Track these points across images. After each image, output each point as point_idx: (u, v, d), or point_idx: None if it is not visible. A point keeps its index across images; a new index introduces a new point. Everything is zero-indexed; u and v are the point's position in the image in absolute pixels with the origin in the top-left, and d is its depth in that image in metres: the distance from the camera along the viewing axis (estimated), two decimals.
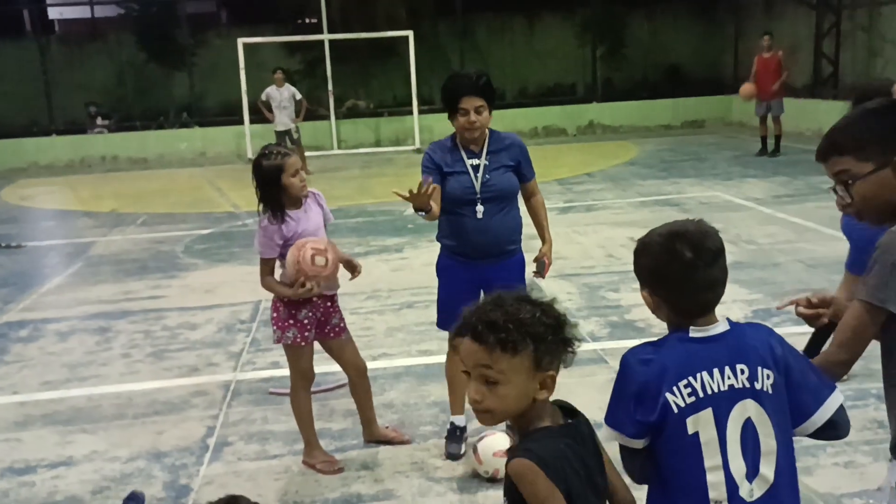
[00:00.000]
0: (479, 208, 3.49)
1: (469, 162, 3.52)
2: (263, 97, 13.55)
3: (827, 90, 17.13)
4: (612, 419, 1.75)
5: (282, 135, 13.54)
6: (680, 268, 1.71)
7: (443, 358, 4.99)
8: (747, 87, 12.42)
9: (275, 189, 3.52)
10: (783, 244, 7.42)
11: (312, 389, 4.44)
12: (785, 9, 19.06)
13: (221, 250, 8.38)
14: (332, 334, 3.74)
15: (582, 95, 19.72)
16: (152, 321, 6.07)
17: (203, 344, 5.51)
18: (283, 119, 13.50)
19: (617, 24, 20.12)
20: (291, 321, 3.59)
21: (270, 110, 13.56)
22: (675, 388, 1.69)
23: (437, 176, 3.51)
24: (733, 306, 5.63)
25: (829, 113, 15.55)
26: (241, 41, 15.49)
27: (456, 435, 3.81)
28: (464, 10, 18.79)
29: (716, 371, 1.70)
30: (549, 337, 1.61)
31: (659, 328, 2.49)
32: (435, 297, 6.15)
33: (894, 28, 15.82)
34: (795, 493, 1.76)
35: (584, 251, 7.45)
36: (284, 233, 3.55)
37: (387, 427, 4.03)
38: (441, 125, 17.49)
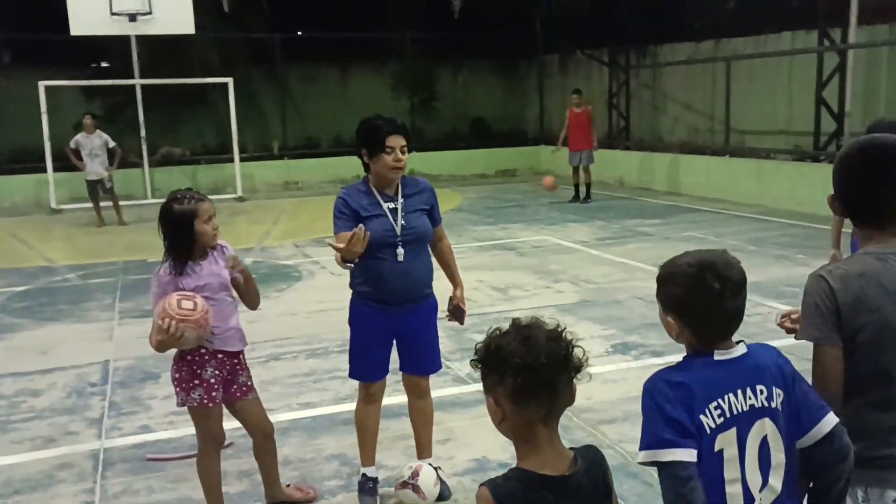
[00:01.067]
0: (400, 251, 3.47)
1: (386, 205, 3.50)
2: (73, 144, 12.68)
3: (621, 142, 18.70)
4: (653, 440, 1.79)
5: (94, 184, 12.78)
6: (709, 297, 1.82)
7: (327, 410, 4.94)
8: (549, 181, 13.40)
9: (184, 235, 3.30)
10: (618, 282, 7.94)
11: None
12: (578, 68, 20.65)
13: (46, 308, 7.67)
14: (238, 394, 3.52)
15: None
16: None
17: (53, 411, 4.99)
18: (95, 167, 12.70)
19: (428, 77, 20.82)
20: (196, 381, 3.36)
21: (80, 158, 12.66)
22: (706, 410, 1.79)
23: (353, 222, 3.45)
24: (593, 342, 5.95)
25: (626, 162, 17.21)
26: (42, 84, 14.38)
27: (369, 486, 3.71)
28: (278, 59, 18.62)
29: (739, 392, 1.83)
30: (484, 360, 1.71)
31: None
32: (299, 348, 6.08)
33: (674, 86, 17.62)
34: (796, 499, 1.91)
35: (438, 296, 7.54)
36: (182, 286, 3.32)
37: (288, 485, 3.85)
38: (262, 172, 17.34)
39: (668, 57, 17.70)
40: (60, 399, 5.20)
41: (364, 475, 3.75)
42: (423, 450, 3.82)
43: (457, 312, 3.76)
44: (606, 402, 4.84)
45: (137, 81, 15.56)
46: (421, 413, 3.79)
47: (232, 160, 16.47)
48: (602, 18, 18.15)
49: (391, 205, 3.51)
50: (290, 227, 12.50)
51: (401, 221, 3.48)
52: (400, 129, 3.46)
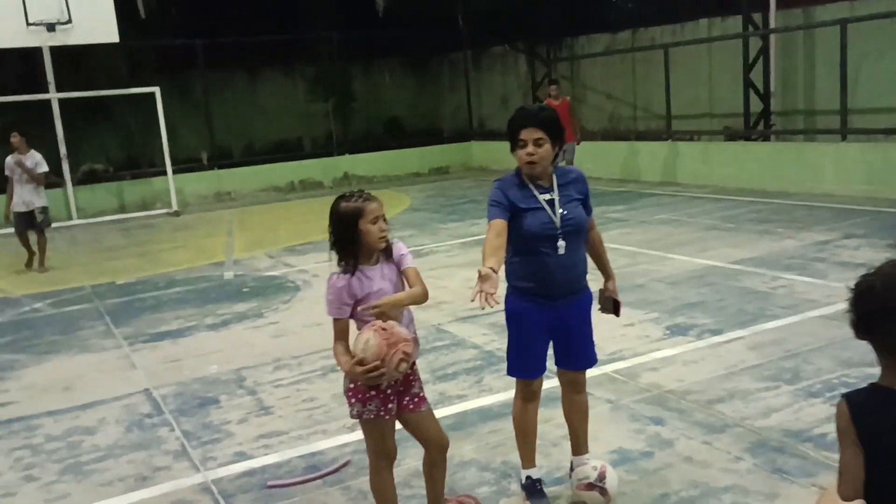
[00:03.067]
0: (561, 243, 3.34)
1: (542, 197, 3.37)
2: (7, 171, 10.45)
3: None
4: None
5: (24, 217, 10.29)
6: None
7: (441, 411, 4.69)
8: None
9: (349, 234, 3.08)
10: (628, 268, 7.94)
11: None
12: (496, 63, 20.85)
13: (36, 341, 7.05)
14: (411, 406, 3.26)
15: (324, 148, 19.68)
16: (25, 434, 4.92)
17: (123, 448, 4.58)
18: (26, 196, 10.28)
19: (342, 79, 20.44)
20: (373, 392, 3.13)
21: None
22: None
23: (508, 213, 3.31)
24: (645, 326, 5.98)
25: None
26: None
27: (537, 489, 3.57)
28: (183, 67, 17.77)
29: None
30: None
31: None
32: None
33: (593, 77, 18.04)
34: None
35: (457, 294, 7.41)
36: (356, 291, 3.11)
37: (447, 500, 3.64)
38: (192, 185, 16.59)
39: (585, 48, 18.08)
40: (122, 434, 4.78)
41: (528, 477, 3.60)
42: (581, 446, 3.71)
43: (612, 304, 3.65)
44: (702, 382, 4.85)
45: (54, 96, 14.63)
46: (579, 408, 3.68)
47: (157, 174, 15.74)
48: (520, 13, 18.36)
49: (547, 196, 3.38)
50: (250, 238, 12.01)
51: (559, 213, 3.36)
52: (533, 120, 3.32)
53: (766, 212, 10.51)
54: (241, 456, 4.34)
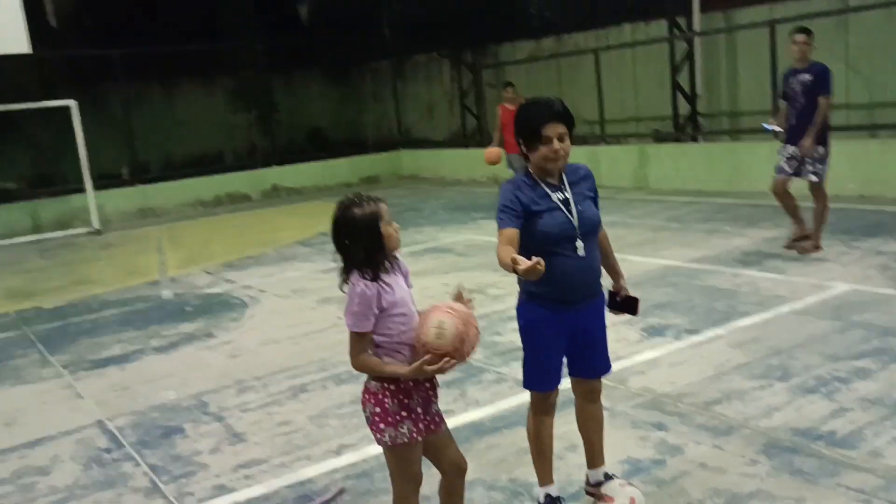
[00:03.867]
0: (580, 244, 3.14)
1: (555, 196, 3.17)
2: None
3: (474, 141, 18.90)
4: None
5: None
6: None
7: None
8: (494, 152, 11.76)
9: (373, 241, 2.79)
10: None
11: None
12: (418, 70, 20.71)
13: None
14: (432, 426, 2.96)
15: (247, 161, 19.09)
16: None
17: (85, 488, 4.14)
18: None
19: (265, 89, 19.88)
20: (405, 412, 2.83)
21: None
22: None
23: (521, 218, 3.08)
24: (621, 328, 5.85)
25: (478, 160, 17.37)
26: None
27: None
28: (98, 79, 16.94)
29: None
30: None
31: None
32: (320, 376, 5.49)
33: (518, 84, 17.98)
34: None
35: (419, 304, 7.13)
36: (382, 301, 2.82)
37: None
38: (113, 201, 15.77)
39: (510, 55, 18.11)
40: (81, 472, 4.34)
41: (548, 496, 3.38)
42: (597, 457, 3.52)
43: (631, 302, 3.47)
44: (694, 383, 4.74)
45: None
46: (594, 418, 3.49)
47: (74, 191, 14.94)
48: (445, 20, 18.25)
49: (560, 195, 3.18)
50: (183, 255, 11.44)
51: (575, 212, 3.17)
52: (559, 115, 3.13)
53: (708, 211, 10.63)
54: (222, 489, 3.97)
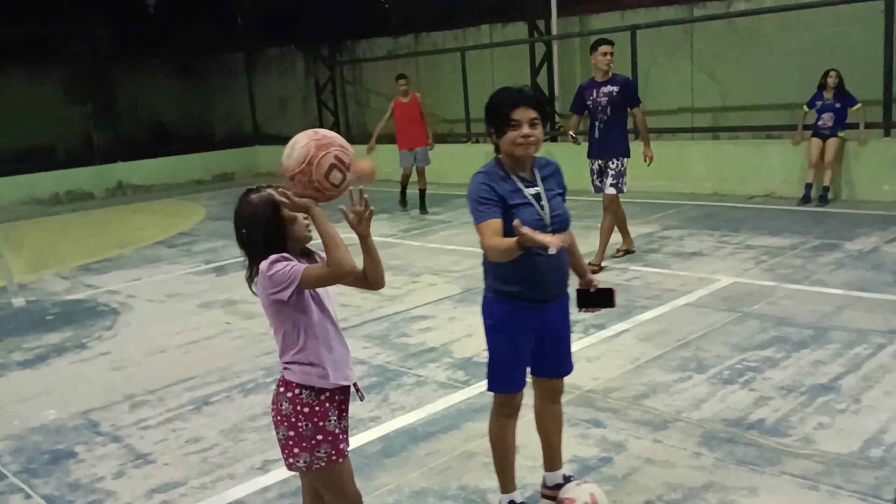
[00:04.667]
0: None
1: (527, 191, 3.05)
2: None
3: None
4: None
5: None
6: None
7: (361, 437, 4.17)
8: (367, 166, 11.31)
9: (274, 224, 2.55)
10: (469, 269, 7.84)
11: None
12: (270, 64, 20.08)
13: None
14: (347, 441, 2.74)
15: (83, 155, 17.70)
16: None
17: None
18: None
19: (103, 81, 18.57)
20: (320, 436, 2.57)
21: None
22: None
23: (501, 210, 2.95)
24: None
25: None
26: None
27: None
28: None
29: None
30: None
31: None
32: (222, 386, 5.09)
33: (376, 81, 17.95)
34: None
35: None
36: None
37: None
38: None
39: (367, 52, 17.91)
40: None
41: (512, 502, 3.26)
42: (556, 459, 3.44)
43: (604, 295, 3.30)
44: (616, 378, 4.77)
45: None
46: (555, 419, 3.40)
47: None
48: (299, 13, 17.76)
49: (532, 190, 3.07)
50: (29, 259, 10.40)
51: (547, 208, 3.07)
52: (527, 99, 3.02)
53: (579, 208, 10.88)
54: None
